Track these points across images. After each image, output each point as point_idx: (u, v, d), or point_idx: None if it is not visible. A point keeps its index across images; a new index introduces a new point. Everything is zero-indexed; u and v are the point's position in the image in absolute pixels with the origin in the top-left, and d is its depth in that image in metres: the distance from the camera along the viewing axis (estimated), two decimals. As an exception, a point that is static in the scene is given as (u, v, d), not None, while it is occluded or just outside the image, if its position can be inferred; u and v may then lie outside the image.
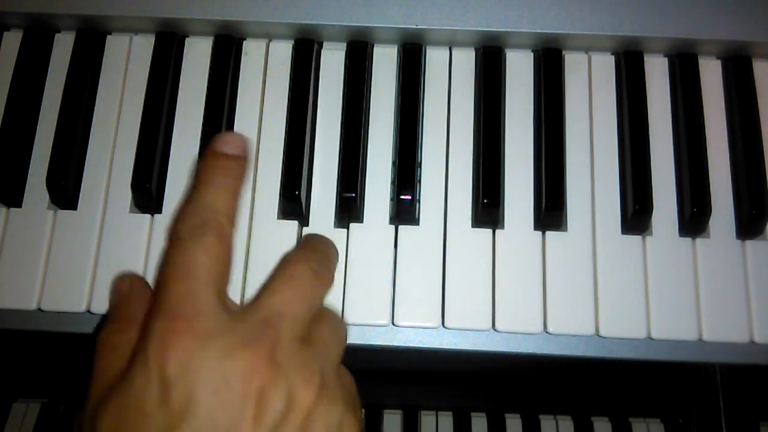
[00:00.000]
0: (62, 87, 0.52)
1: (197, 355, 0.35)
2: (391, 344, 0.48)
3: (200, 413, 0.34)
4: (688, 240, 0.49)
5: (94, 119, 0.52)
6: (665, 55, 0.54)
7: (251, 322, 0.37)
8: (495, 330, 0.47)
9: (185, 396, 0.34)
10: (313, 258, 0.42)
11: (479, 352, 0.48)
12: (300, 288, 0.40)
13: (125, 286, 0.42)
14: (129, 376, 0.35)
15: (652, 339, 0.47)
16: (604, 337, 0.47)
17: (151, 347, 0.35)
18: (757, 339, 0.47)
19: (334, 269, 0.44)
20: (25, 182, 0.51)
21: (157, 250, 0.49)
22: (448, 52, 0.54)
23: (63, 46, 0.54)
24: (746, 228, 0.49)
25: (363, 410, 0.77)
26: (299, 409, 0.35)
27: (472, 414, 0.79)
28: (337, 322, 0.42)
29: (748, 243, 0.49)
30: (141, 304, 0.40)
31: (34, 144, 0.51)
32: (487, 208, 0.49)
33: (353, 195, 0.49)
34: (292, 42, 0.54)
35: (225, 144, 0.43)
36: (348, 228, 0.49)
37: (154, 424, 0.34)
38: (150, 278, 0.48)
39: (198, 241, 0.38)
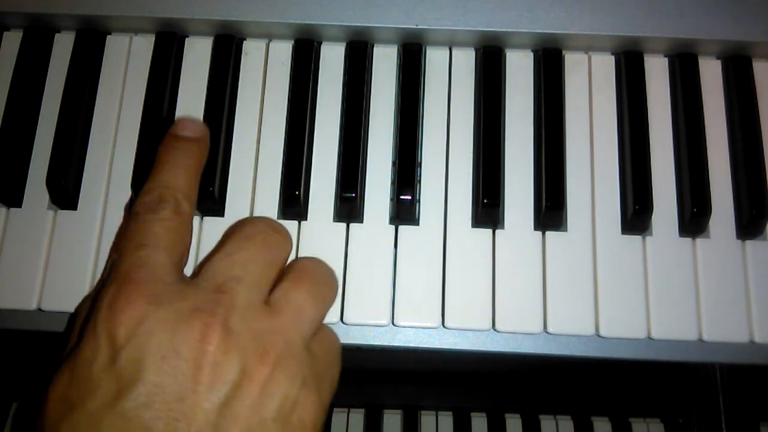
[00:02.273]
0: (62, 87, 0.52)
1: (147, 319, 0.34)
2: (391, 344, 0.48)
3: (149, 380, 0.33)
4: (688, 240, 0.49)
5: (94, 119, 0.52)
6: (665, 55, 0.54)
7: (205, 288, 0.36)
8: (495, 330, 0.47)
9: (134, 361, 0.33)
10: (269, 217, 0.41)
11: (479, 352, 0.48)
12: (258, 247, 0.39)
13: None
14: (81, 341, 0.35)
15: (652, 339, 0.47)
16: (604, 337, 0.47)
17: (100, 311, 0.34)
18: (757, 339, 0.47)
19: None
20: (25, 182, 0.51)
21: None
22: (448, 52, 0.54)
23: (63, 46, 0.54)
24: (746, 228, 0.49)
25: (363, 410, 0.78)
26: (253, 382, 0.34)
27: (472, 414, 0.79)
28: (316, 283, 0.40)
29: (748, 243, 0.49)
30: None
31: (34, 144, 0.51)
32: (487, 208, 0.49)
33: (353, 195, 0.49)
34: (292, 42, 0.54)
35: (183, 128, 0.44)
36: (348, 228, 0.49)
37: (102, 388, 0.33)
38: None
39: (153, 216, 0.38)
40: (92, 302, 0.37)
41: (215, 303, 0.35)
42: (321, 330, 0.39)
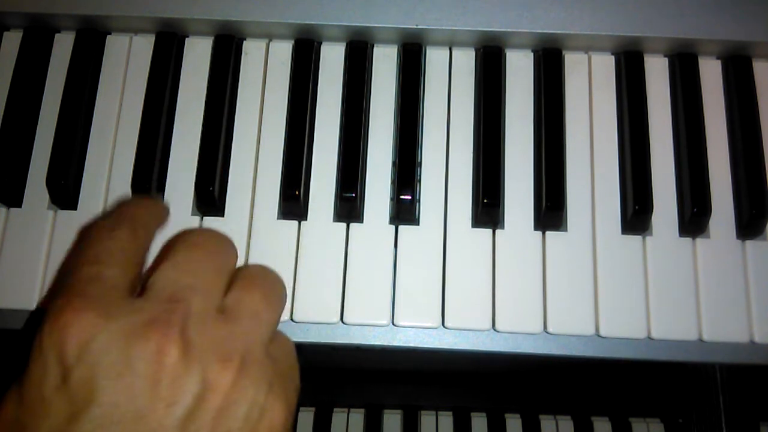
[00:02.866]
0: (62, 87, 0.52)
1: (98, 335, 0.31)
2: (391, 344, 0.48)
3: (104, 401, 0.31)
4: (688, 240, 0.49)
5: (94, 119, 0.52)
6: (665, 55, 0.54)
7: (157, 299, 0.34)
8: (495, 330, 0.47)
9: (86, 380, 0.31)
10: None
11: (479, 352, 0.48)
12: (206, 254, 0.37)
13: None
14: (30, 360, 0.33)
15: (652, 339, 0.47)
16: (604, 337, 0.47)
17: (46, 326, 0.32)
18: (757, 339, 0.47)
19: None
20: (25, 182, 0.51)
21: (158, 249, 0.49)
22: (448, 52, 0.54)
23: (63, 46, 0.54)
24: (746, 228, 0.49)
25: (363, 410, 0.78)
26: (216, 391, 0.32)
27: (472, 414, 0.79)
28: (268, 287, 0.38)
29: (748, 243, 0.49)
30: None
31: (34, 144, 0.51)
32: (487, 208, 0.49)
33: (353, 195, 0.49)
34: (292, 42, 0.54)
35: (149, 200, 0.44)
36: (348, 228, 0.49)
37: (54, 411, 0.31)
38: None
39: (108, 233, 0.37)
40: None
41: (170, 313, 0.33)
42: (276, 334, 0.38)
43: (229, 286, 0.37)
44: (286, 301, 0.39)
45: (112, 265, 0.35)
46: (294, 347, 0.38)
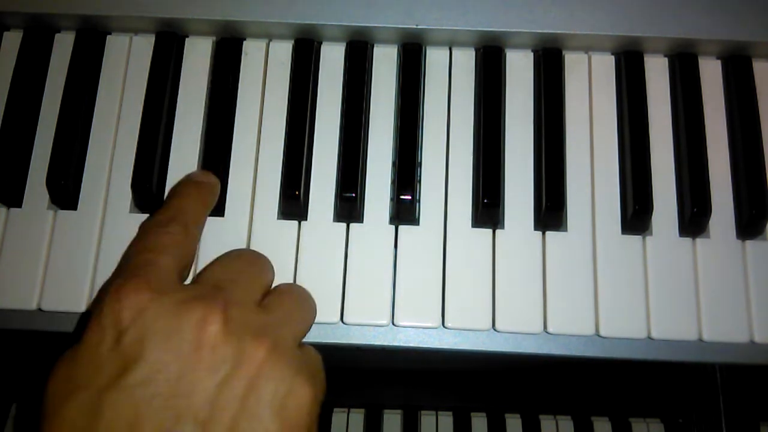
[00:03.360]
0: (62, 87, 0.52)
1: (151, 304, 0.36)
2: (391, 344, 0.48)
3: (151, 358, 0.34)
4: (688, 240, 0.49)
5: (94, 119, 0.52)
6: (665, 55, 0.54)
7: (204, 286, 0.39)
8: (495, 330, 0.47)
9: (137, 340, 0.35)
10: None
11: (479, 352, 0.48)
12: (249, 263, 0.43)
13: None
14: (86, 329, 0.36)
15: (652, 339, 0.47)
16: (604, 337, 0.47)
17: (106, 299, 0.36)
18: (757, 339, 0.47)
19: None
20: (25, 182, 0.51)
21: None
22: (448, 52, 0.54)
23: (63, 46, 0.54)
24: (746, 228, 0.49)
25: (363, 410, 0.78)
26: (249, 363, 0.36)
27: (472, 414, 0.79)
28: (303, 300, 0.43)
29: (748, 243, 0.49)
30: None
31: (34, 144, 0.51)
32: (487, 208, 0.49)
33: (353, 195, 0.49)
34: (292, 42, 0.54)
35: (198, 175, 0.48)
36: (348, 228, 0.49)
37: (106, 367, 0.35)
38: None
39: (163, 229, 0.41)
40: (97, 296, 0.39)
41: (215, 292, 0.38)
42: (306, 346, 0.42)
43: (265, 296, 0.42)
44: (315, 316, 0.43)
45: (165, 254, 0.40)
46: (321, 360, 0.41)
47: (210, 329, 0.35)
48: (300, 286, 0.44)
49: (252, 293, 0.40)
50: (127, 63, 0.54)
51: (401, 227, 0.49)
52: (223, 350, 0.35)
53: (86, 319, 0.40)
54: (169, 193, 0.48)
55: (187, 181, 0.48)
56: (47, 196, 0.50)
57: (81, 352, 0.36)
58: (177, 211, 0.44)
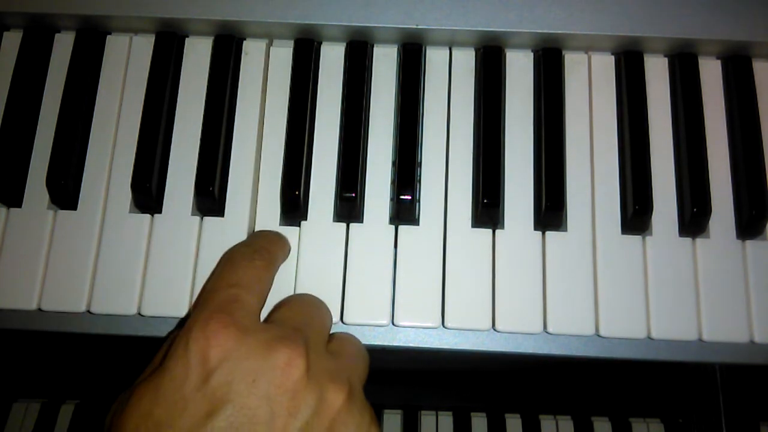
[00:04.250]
0: (62, 87, 0.52)
1: (239, 345, 0.36)
2: (391, 344, 0.48)
3: (238, 402, 0.34)
4: (688, 240, 0.49)
5: (94, 119, 0.52)
6: (665, 55, 0.54)
7: (285, 327, 0.39)
8: (495, 330, 0.47)
9: (225, 383, 0.35)
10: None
11: (479, 352, 0.48)
12: (316, 309, 0.44)
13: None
14: (168, 361, 0.36)
15: (652, 339, 0.47)
16: (604, 337, 0.47)
17: (193, 333, 0.36)
18: (757, 339, 0.47)
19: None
20: (25, 182, 0.51)
21: (158, 249, 0.49)
22: (448, 52, 0.54)
23: (63, 46, 0.54)
24: (746, 228, 0.49)
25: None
26: (329, 409, 0.36)
27: (472, 414, 0.79)
28: (360, 345, 0.45)
29: (748, 243, 0.49)
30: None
31: (34, 144, 0.51)
32: (487, 208, 0.49)
33: (353, 195, 0.49)
34: (292, 42, 0.54)
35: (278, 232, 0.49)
36: (348, 228, 0.49)
37: (191, 407, 0.34)
38: (148, 276, 0.48)
39: (248, 262, 0.42)
40: (180, 328, 0.38)
41: (296, 335, 0.38)
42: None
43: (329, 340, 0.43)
44: (369, 361, 0.44)
45: (250, 291, 0.40)
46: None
47: (294, 373, 0.36)
48: (354, 337, 0.45)
49: (323, 338, 0.41)
50: (127, 63, 0.54)
51: (401, 227, 0.49)
52: (306, 395, 0.36)
53: (164, 344, 0.40)
54: (251, 235, 0.48)
55: (269, 231, 0.49)
56: (47, 196, 0.50)
57: (164, 386, 0.35)
58: (262, 246, 0.44)
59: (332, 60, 0.54)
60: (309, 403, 0.36)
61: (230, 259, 0.43)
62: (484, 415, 0.79)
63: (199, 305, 0.39)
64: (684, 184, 0.50)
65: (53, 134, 0.51)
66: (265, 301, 0.43)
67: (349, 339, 0.44)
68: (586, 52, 0.54)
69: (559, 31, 0.52)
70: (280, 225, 0.50)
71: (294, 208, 0.49)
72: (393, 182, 0.50)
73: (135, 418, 0.35)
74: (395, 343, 0.48)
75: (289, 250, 0.48)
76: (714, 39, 0.52)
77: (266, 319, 0.42)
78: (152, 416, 0.34)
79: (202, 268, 0.48)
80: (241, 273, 0.41)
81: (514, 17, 0.52)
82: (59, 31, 0.55)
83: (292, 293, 0.48)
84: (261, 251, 0.44)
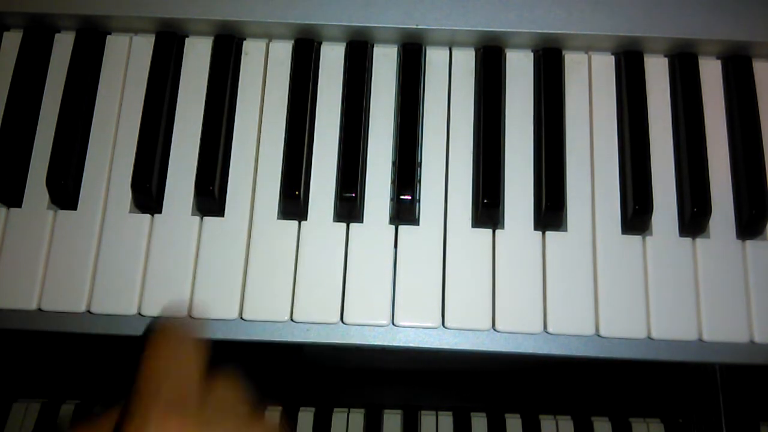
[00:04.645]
0: (62, 87, 0.52)
1: None
2: (391, 344, 0.48)
3: None
4: (688, 240, 0.49)
5: (94, 119, 0.52)
6: (665, 55, 0.54)
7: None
8: (495, 330, 0.47)
9: None
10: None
11: (479, 352, 0.48)
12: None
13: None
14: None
15: (652, 339, 0.47)
16: (604, 337, 0.47)
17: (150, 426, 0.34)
18: (757, 339, 0.47)
19: None
20: (25, 182, 0.51)
21: (157, 249, 0.49)
22: (448, 52, 0.54)
23: (63, 46, 0.54)
24: (746, 228, 0.49)
25: (363, 410, 0.78)
26: None
27: (472, 414, 0.79)
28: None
29: (748, 243, 0.49)
30: None
31: (34, 144, 0.51)
32: (487, 208, 0.49)
33: (353, 195, 0.49)
34: (292, 42, 0.54)
35: None
36: (348, 228, 0.49)
37: None
38: (148, 276, 0.48)
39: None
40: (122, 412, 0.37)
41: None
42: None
43: None
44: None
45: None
46: None
47: None
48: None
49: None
50: (127, 63, 0.54)
51: (401, 227, 0.49)
52: None
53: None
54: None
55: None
56: (47, 196, 0.50)
57: None
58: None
59: (332, 60, 0.54)
60: None
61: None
62: (484, 415, 0.79)
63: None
64: (684, 184, 0.50)
65: (53, 134, 0.51)
66: None
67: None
68: (586, 52, 0.54)
69: (559, 31, 0.52)
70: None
71: (294, 208, 0.49)
72: (393, 182, 0.50)
73: None
74: (395, 343, 0.48)
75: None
76: (714, 39, 0.52)
77: None
78: None
79: (202, 268, 0.48)
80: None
81: (514, 17, 0.52)
82: (59, 31, 0.55)
83: (290, 294, 0.48)
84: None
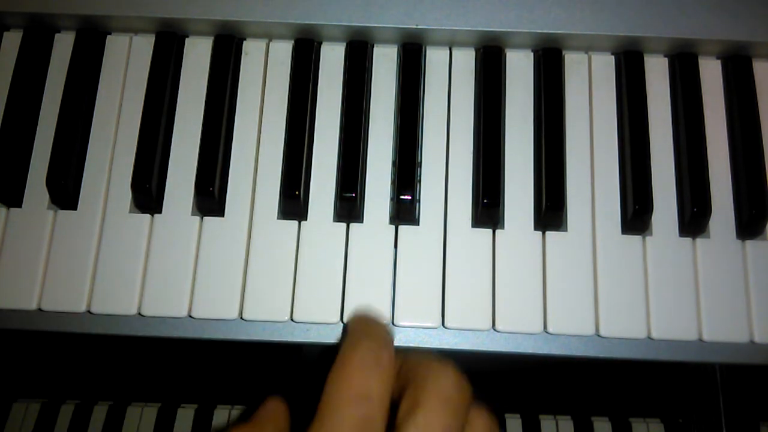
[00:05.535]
0: (62, 87, 0.52)
1: None
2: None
3: None
4: (688, 240, 0.49)
5: (94, 119, 0.52)
6: (665, 55, 0.54)
7: None
8: (495, 330, 0.47)
9: None
10: (450, 366, 0.38)
11: (479, 352, 0.48)
12: (456, 411, 0.37)
13: (271, 405, 0.41)
14: None
15: (652, 339, 0.47)
16: (604, 337, 0.47)
17: None
18: (757, 339, 0.47)
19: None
20: (25, 182, 0.51)
21: (157, 249, 0.49)
22: (448, 52, 0.54)
23: (63, 46, 0.54)
24: (746, 228, 0.49)
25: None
26: None
27: (472, 414, 0.79)
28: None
29: (748, 243, 0.49)
30: (274, 423, 0.39)
31: (34, 144, 0.51)
32: (487, 208, 0.49)
33: (353, 195, 0.49)
34: (292, 42, 0.54)
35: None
36: (348, 228, 0.49)
37: None
38: (148, 276, 0.48)
39: (376, 365, 0.36)
40: None
41: None
42: None
43: None
44: None
45: (381, 407, 0.35)
46: None
47: None
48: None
49: None
50: (127, 63, 0.54)
51: (401, 227, 0.49)
52: None
53: None
54: (359, 319, 0.43)
55: (374, 316, 0.43)
56: (47, 196, 0.50)
57: None
58: (385, 340, 0.38)
59: (332, 60, 0.54)
60: None
61: (356, 355, 0.37)
62: (484, 415, 0.79)
63: (327, 417, 0.34)
64: (684, 184, 0.50)
65: (53, 134, 0.51)
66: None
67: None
68: (586, 52, 0.54)
69: (559, 31, 0.52)
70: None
71: (294, 208, 0.49)
72: (393, 182, 0.50)
73: None
74: (395, 343, 0.48)
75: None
76: (714, 39, 0.52)
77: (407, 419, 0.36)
78: None
79: (202, 268, 0.48)
80: (372, 380, 0.35)
81: (514, 17, 0.52)
82: (59, 31, 0.55)
83: (290, 294, 0.48)
84: (387, 346, 0.37)
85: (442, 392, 0.36)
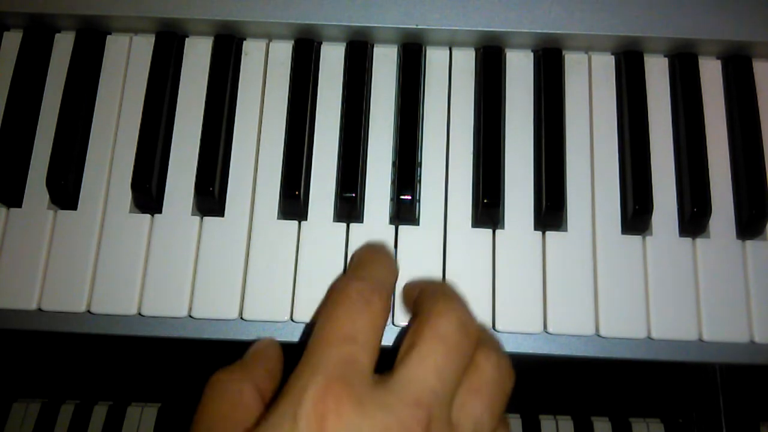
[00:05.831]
0: (62, 87, 0.52)
1: (355, 428, 0.32)
2: (391, 345, 0.48)
3: None
4: (688, 240, 0.49)
5: (94, 119, 0.52)
6: (665, 55, 0.54)
7: (404, 399, 0.33)
8: (495, 330, 0.47)
9: None
10: (459, 302, 0.37)
11: (479, 352, 0.48)
12: (452, 353, 0.35)
13: (261, 345, 0.41)
14: (271, 425, 0.32)
15: (652, 339, 0.47)
16: (604, 337, 0.47)
17: (306, 404, 0.32)
18: (757, 339, 0.47)
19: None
20: (25, 182, 0.51)
21: (157, 249, 0.49)
22: (448, 52, 0.54)
23: (63, 46, 0.54)
24: (746, 228, 0.49)
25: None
26: None
27: (472, 414, 0.79)
28: (497, 400, 0.37)
29: (748, 243, 0.49)
30: (264, 363, 0.39)
31: (34, 144, 0.51)
32: (487, 208, 0.49)
33: (353, 195, 0.49)
34: (292, 42, 0.54)
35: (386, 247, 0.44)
36: (348, 228, 0.49)
37: None
38: (148, 276, 0.48)
39: (365, 306, 0.36)
40: (288, 388, 0.34)
41: (416, 418, 0.33)
42: None
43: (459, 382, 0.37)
44: (507, 398, 0.38)
45: (367, 348, 0.35)
46: None
47: None
48: (499, 370, 0.38)
49: (449, 404, 0.35)
50: (127, 63, 0.54)
51: (401, 227, 0.49)
52: None
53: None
54: (363, 255, 0.43)
55: (379, 250, 0.43)
56: (47, 196, 0.50)
57: None
58: (380, 284, 0.38)
59: (332, 60, 0.54)
60: None
61: (345, 297, 0.36)
62: (484, 415, 0.79)
63: (310, 364, 0.33)
64: (684, 184, 0.50)
65: (53, 134, 0.51)
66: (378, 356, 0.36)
67: (477, 400, 0.36)
68: (586, 52, 0.54)
69: (559, 31, 0.52)
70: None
71: (294, 208, 0.49)
72: (393, 182, 0.50)
73: None
74: (395, 344, 0.48)
75: (398, 272, 0.43)
76: (714, 39, 0.52)
77: (392, 370, 0.35)
78: None
79: (202, 268, 0.48)
80: (359, 322, 0.35)
81: (514, 17, 0.52)
82: (59, 31, 0.55)
83: (290, 294, 0.48)
84: (379, 288, 0.37)
85: (440, 331, 0.36)
